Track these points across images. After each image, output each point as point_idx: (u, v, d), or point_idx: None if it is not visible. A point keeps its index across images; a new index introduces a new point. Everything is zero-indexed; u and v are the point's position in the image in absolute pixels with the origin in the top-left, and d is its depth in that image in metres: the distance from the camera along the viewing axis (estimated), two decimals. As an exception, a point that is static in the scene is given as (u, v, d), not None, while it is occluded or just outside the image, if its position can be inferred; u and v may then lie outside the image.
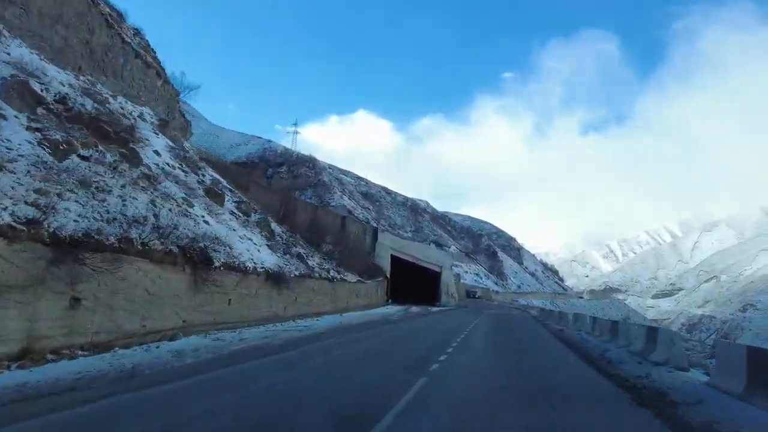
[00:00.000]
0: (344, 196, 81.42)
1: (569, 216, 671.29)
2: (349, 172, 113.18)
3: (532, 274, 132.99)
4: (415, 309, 35.94)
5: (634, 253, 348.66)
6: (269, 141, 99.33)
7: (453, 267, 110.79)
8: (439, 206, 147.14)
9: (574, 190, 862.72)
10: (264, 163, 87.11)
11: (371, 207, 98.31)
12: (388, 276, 40.74)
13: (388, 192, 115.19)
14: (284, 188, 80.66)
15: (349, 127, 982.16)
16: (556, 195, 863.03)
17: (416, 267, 47.10)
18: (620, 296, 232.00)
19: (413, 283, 48.09)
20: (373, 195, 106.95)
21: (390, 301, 39.82)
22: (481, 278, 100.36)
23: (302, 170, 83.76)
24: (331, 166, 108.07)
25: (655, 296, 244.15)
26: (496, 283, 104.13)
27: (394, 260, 43.71)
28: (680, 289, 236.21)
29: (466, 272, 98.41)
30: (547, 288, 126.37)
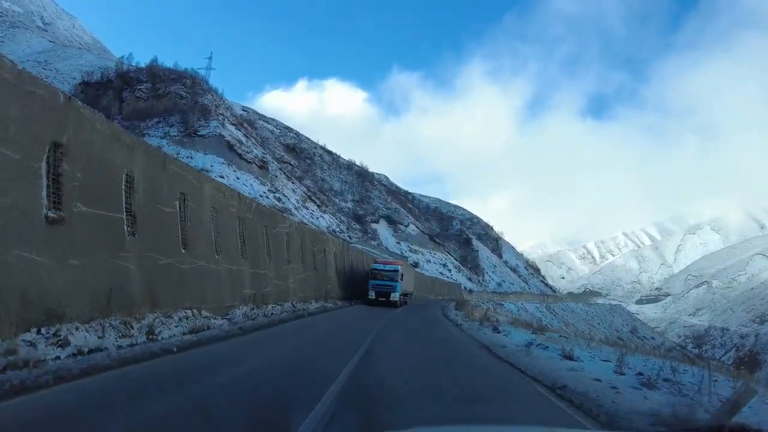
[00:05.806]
0: (228, 125, 50.71)
1: (543, 214, 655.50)
2: (273, 120, 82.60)
3: (514, 270, 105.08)
4: None
5: (612, 255, 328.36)
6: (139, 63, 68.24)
7: (412, 252, 78.98)
8: (407, 189, 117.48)
9: (553, 185, 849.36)
10: (120, 80, 56.22)
11: (296, 163, 67.91)
12: None
13: (328, 151, 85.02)
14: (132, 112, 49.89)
15: (318, 94, 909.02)
16: (534, 190, 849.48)
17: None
18: (600, 300, 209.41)
19: None
20: (303, 150, 76.64)
21: None
22: (450, 270, 71.37)
23: (173, 88, 52.78)
24: (245, 108, 77.45)
25: (639, 302, 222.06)
26: (469, 279, 75.41)
27: None
28: (667, 295, 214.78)
29: (429, 261, 69.13)
30: (533, 288, 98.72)
